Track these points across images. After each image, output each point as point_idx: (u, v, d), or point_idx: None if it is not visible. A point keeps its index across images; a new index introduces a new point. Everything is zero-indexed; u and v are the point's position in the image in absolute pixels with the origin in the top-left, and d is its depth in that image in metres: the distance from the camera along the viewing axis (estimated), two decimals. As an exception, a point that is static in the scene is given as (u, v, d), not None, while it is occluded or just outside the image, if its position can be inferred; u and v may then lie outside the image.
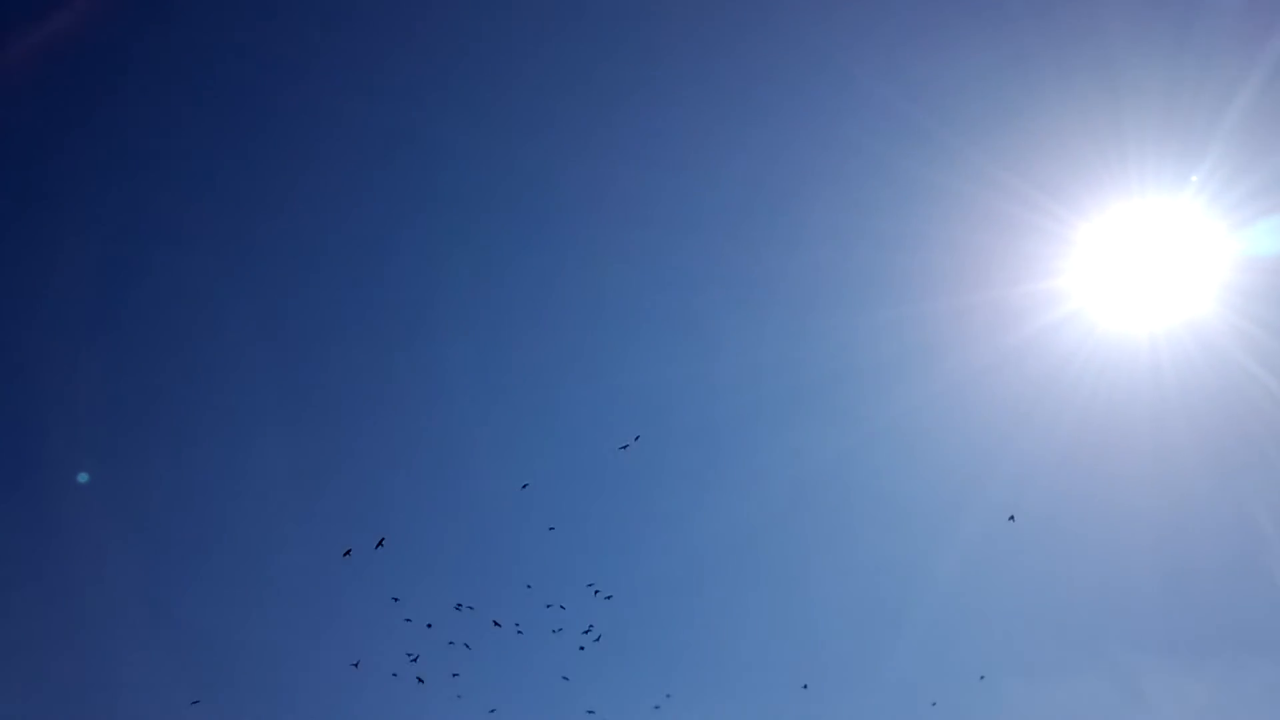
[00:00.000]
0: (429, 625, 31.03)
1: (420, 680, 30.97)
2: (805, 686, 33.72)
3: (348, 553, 28.56)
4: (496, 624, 31.15)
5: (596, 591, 32.31)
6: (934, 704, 33.98)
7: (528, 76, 38.90)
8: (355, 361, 40.74)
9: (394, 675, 30.92)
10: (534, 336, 42.40)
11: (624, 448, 33.19)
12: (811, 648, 40.42)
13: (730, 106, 39.77)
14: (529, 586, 32.87)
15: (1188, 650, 38.77)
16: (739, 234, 40.91)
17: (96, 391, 36.66)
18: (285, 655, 37.03)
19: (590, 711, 32.37)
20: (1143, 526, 39.45)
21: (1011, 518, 35.94)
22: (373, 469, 41.13)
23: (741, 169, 40.66)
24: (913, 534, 41.52)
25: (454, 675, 31.10)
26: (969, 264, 39.78)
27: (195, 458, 39.05)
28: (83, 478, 33.86)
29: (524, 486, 34.17)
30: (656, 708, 33.32)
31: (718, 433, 42.67)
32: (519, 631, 31.58)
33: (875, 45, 38.47)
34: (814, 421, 41.92)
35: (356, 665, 32.10)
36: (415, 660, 30.97)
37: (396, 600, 31.47)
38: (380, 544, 28.45)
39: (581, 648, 32.10)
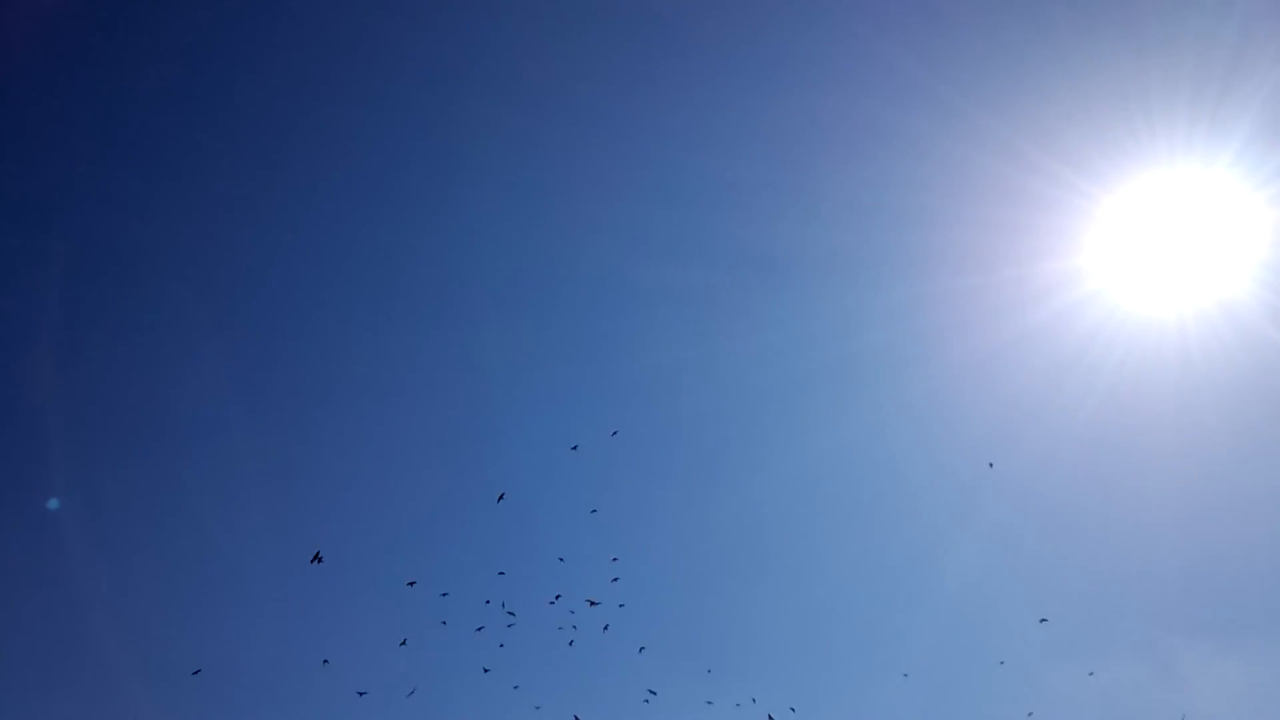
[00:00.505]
0: (511, 616, 30.09)
1: (486, 670, 30.50)
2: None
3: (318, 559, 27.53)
4: (592, 602, 30.15)
5: (614, 565, 31.56)
6: (1002, 662, 33.74)
7: (542, 54, 37.30)
8: (352, 348, 39.74)
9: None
10: (545, 318, 41.43)
11: (501, 498, 31.89)
12: (833, 632, 39.51)
13: (745, 80, 38.17)
14: (561, 559, 32.15)
15: (1221, 632, 37.76)
16: (752, 211, 39.47)
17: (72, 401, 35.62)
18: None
19: (651, 691, 31.40)
20: (1172, 510, 37.98)
21: (990, 464, 34.95)
22: (384, 459, 40.29)
23: (754, 144, 39.06)
24: (931, 519, 40.28)
25: (500, 645, 30.54)
26: (985, 241, 37.88)
27: (190, 452, 38.13)
28: (53, 504, 32.48)
29: (499, 498, 32.85)
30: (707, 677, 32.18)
31: (732, 413, 41.59)
32: (575, 630, 30.62)
33: (892, 15, 36.51)
34: (828, 402, 40.80)
35: (326, 662, 31.24)
36: (403, 643, 30.80)
37: (446, 595, 30.34)
38: (317, 558, 27.33)
39: (571, 635, 30.91)
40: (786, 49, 37.56)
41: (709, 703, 30.70)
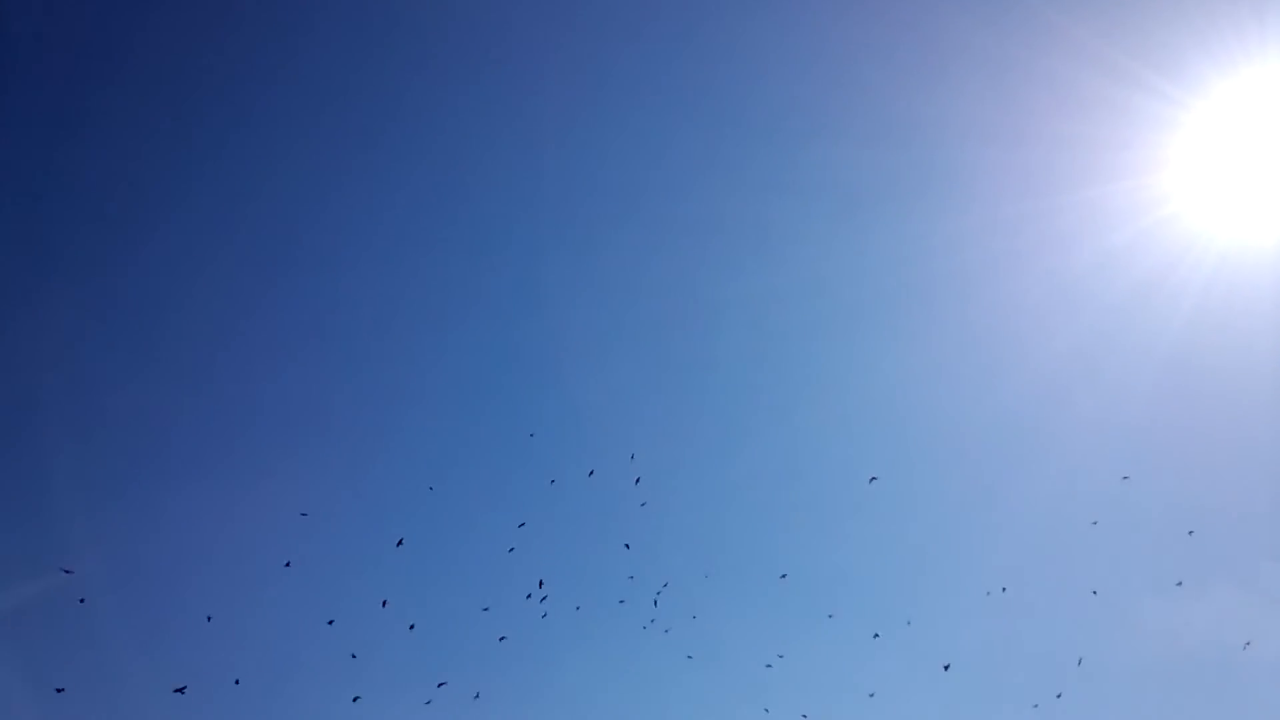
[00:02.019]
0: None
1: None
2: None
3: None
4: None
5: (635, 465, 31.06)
6: (1094, 592, 32.16)
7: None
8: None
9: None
10: (607, 249, 39.35)
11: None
12: (908, 561, 37.92)
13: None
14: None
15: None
16: (812, 136, 36.31)
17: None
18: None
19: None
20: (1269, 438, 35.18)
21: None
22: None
23: (814, 64, 35.87)
24: (1005, 451, 38.35)
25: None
26: (1054, 160, 34.72)
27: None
28: None
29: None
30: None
31: (794, 344, 39.76)
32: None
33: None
34: (894, 333, 38.76)
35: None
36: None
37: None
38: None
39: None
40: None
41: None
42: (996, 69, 33.67)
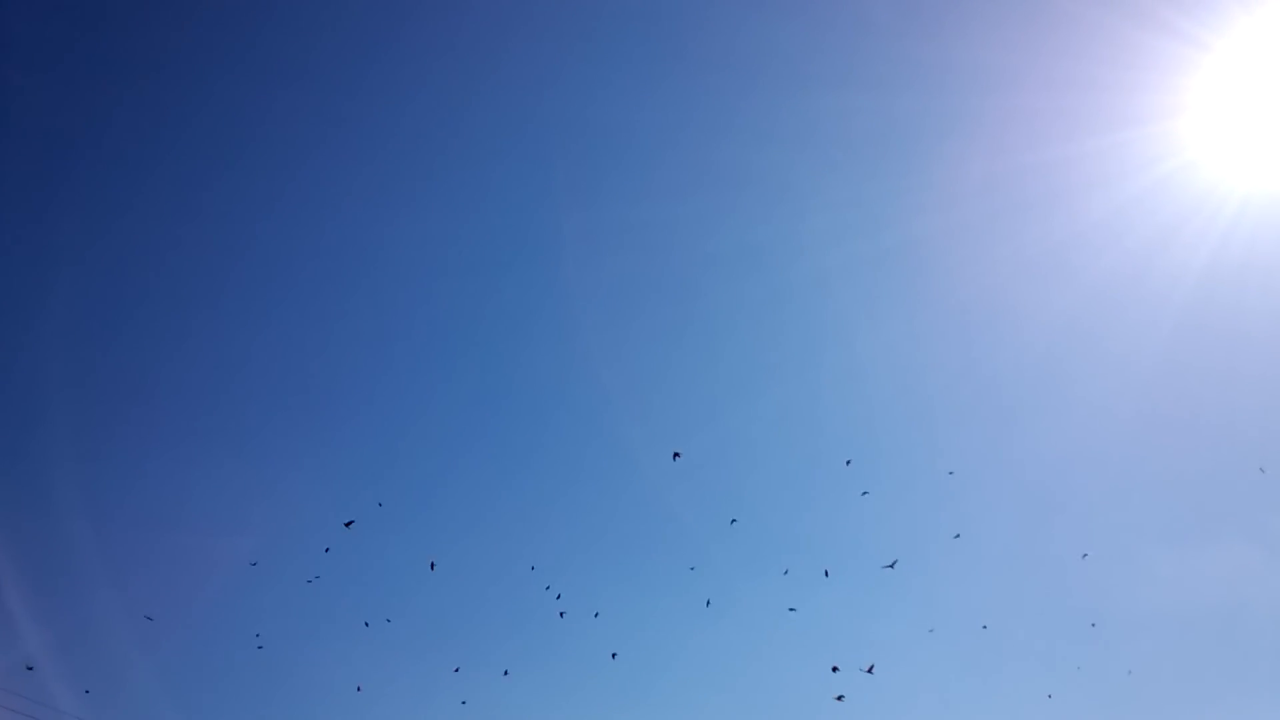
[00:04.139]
0: None
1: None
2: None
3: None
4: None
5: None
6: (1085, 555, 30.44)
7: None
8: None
9: None
10: (620, 201, 38.68)
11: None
12: (911, 512, 37.15)
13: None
14: None
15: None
16: (828, 86, 34.99)
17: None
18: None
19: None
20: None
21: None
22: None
23: (828, 13, 34.31)
24: (1018, 401, 37.86)
25: None
26: (1070, 104, 32.93)
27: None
28: None
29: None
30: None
31: (809, 294, 39.28)
32: None
33: None
34: (908, 283, 38.05)
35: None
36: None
37: None
38: None
39: None
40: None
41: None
42: (1001, 6, 31.96)
